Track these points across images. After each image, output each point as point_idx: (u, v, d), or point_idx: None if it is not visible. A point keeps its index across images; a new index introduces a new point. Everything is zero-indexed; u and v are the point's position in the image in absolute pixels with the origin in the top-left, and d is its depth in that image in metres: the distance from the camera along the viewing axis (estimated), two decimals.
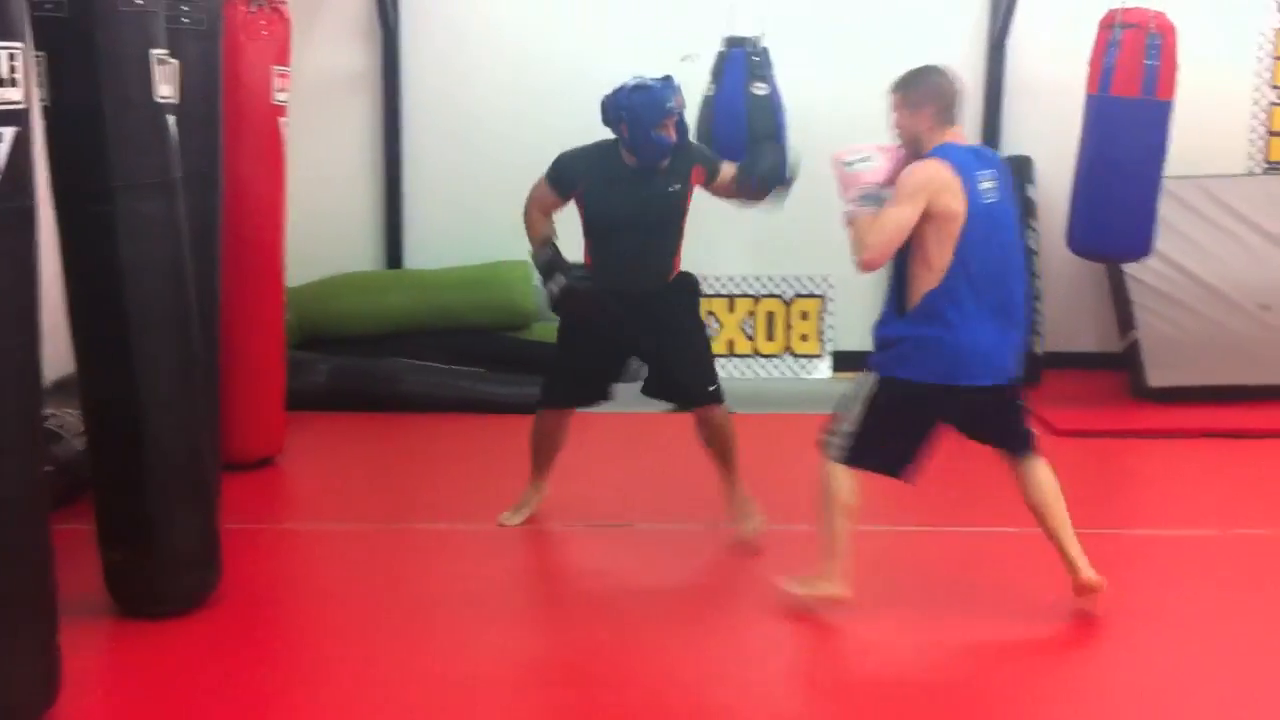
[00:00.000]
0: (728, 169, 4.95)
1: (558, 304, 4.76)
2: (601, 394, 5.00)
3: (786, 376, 7.92)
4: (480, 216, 7.78)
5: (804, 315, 7.96)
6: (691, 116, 6.57)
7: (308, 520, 5.22)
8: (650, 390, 5.04)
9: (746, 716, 3.58)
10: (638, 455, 6.10)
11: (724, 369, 7.78)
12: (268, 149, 5.54)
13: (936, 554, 4.84)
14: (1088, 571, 4.12)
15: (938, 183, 3.87)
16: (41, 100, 3.63)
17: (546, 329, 7.34)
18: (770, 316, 7.96)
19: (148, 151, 3.82)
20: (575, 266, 4.81)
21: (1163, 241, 6.88)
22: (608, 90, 7.52)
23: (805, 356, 7.97)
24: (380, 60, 7.74)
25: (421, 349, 7.12)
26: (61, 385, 5.04)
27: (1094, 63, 6.55)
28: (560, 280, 4.70)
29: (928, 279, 3.92)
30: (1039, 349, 7.56)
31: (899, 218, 3.85)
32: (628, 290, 4.77)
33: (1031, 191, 7.69)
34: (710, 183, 4.94)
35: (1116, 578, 4.67)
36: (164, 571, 4.00)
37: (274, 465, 5.80)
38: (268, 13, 5.47)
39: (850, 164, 4.04)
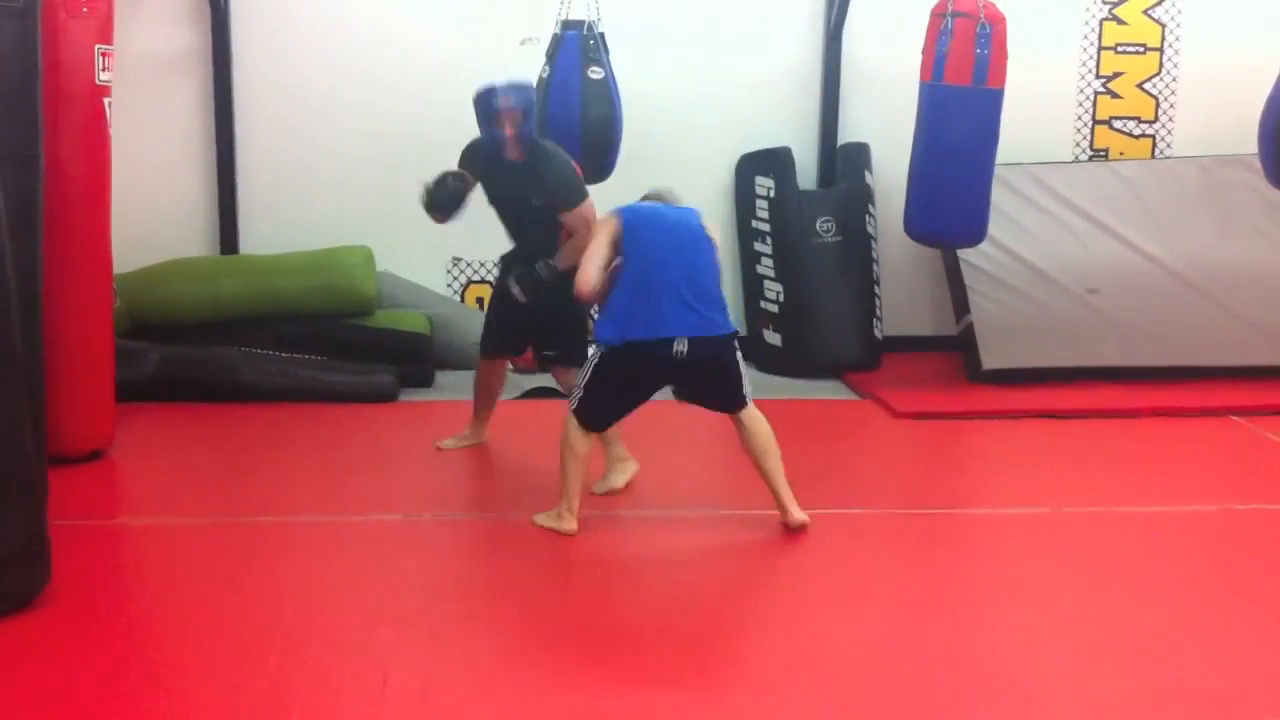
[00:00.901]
0: (569, 218, 5.34)
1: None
2: (520, 349, 5.77)
3: None
4: (318, 201, 7.63)
5: None
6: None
7: (141, 515, 5.05)
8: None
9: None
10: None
11: None
12: (91, 131, 5.32)
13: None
14: (797, 514, 4.83)
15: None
16: None
17: (389, 316, 7.25)
18: None
19: None
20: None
21: (995, 227, 7.07)
22: (443, 73, 7.50)
23: None
24: (210, 40, 7.50)
25: (259, 337, 6.94)
26: None
27: (926, 51, 6.69)
28: (512, 282, 5.46)
29: None
30: (879, 333, 7.71)
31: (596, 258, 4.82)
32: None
33: (869, 179, 7.83)
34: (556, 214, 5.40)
35: (954, 555, 4.81)
36: None
37: (104, 458, 5.59)
38: None
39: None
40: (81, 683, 3.58)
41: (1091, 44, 8.11)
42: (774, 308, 7.71)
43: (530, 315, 5.47)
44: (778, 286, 7.68)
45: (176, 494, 5.19)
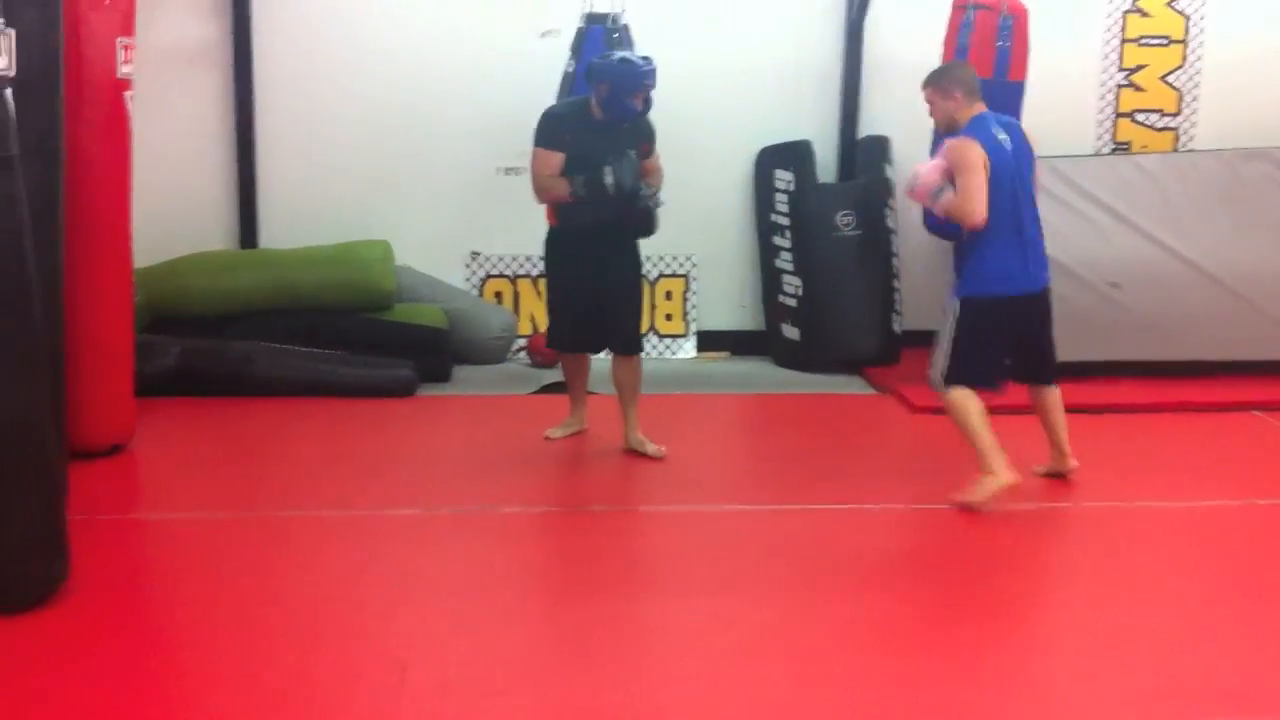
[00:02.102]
0: (653, 161, 5.69)
1: (620, 183, 5.38)
2: (592, 344, 5.83)
3: (652, 356, 7.92)
4: (337, 195, 7.63)
5: (668, 295, 7.97)
6: (549, 91, 6.58)
7: (160, 509, 5.06)
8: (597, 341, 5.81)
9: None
10: (489, 437, 6.02)
11: None
12: (112, 123, 5.32)
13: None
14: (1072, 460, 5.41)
15: (972, 150, 5.00)
16: None
17: (407, 310, 7.26)
18: None
19: None
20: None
21: None
22: (464, 66, 7.50)
23: (670, 336, 7.98)
24: (231, 33, 7.50)
25: (278, 331, 6.94)
26: None
27: (948, 44, 6.66)
28: (609, 170, 5.34)
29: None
30: (898, 327, 7.68)
31: (978, 183, 4.97)
32: (592, 227, 5.48)
33: (890, 171, 7.79)
34: (646, 155, 5.62)
35: (972, 551, 4.79)
36: (8, 564, 3.82)
37: (124, 452, 5.60)
38: None
39: (913, 186, 5.22)
40: (101, 675, 3.58)
41: (1115, 36, 8.06)
42: (793, 301, 7.68)
43: (597, 304, 5.59)
44: (796, 280, 7.66)
45: (196, 488, 5.20)
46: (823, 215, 7.63)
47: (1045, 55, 6.78)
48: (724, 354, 7.99)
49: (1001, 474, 5.02)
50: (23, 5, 4.13)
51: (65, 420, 4.65)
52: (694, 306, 8.00)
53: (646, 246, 7.81)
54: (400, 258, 7.45)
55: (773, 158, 7.79)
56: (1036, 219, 5.27)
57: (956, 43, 6.60)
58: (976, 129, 5.08)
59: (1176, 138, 8.12)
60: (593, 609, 4.13)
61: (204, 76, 7.56)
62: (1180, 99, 8.11)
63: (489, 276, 7.89)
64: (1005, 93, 6.57)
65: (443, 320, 7.25)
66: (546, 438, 5.82)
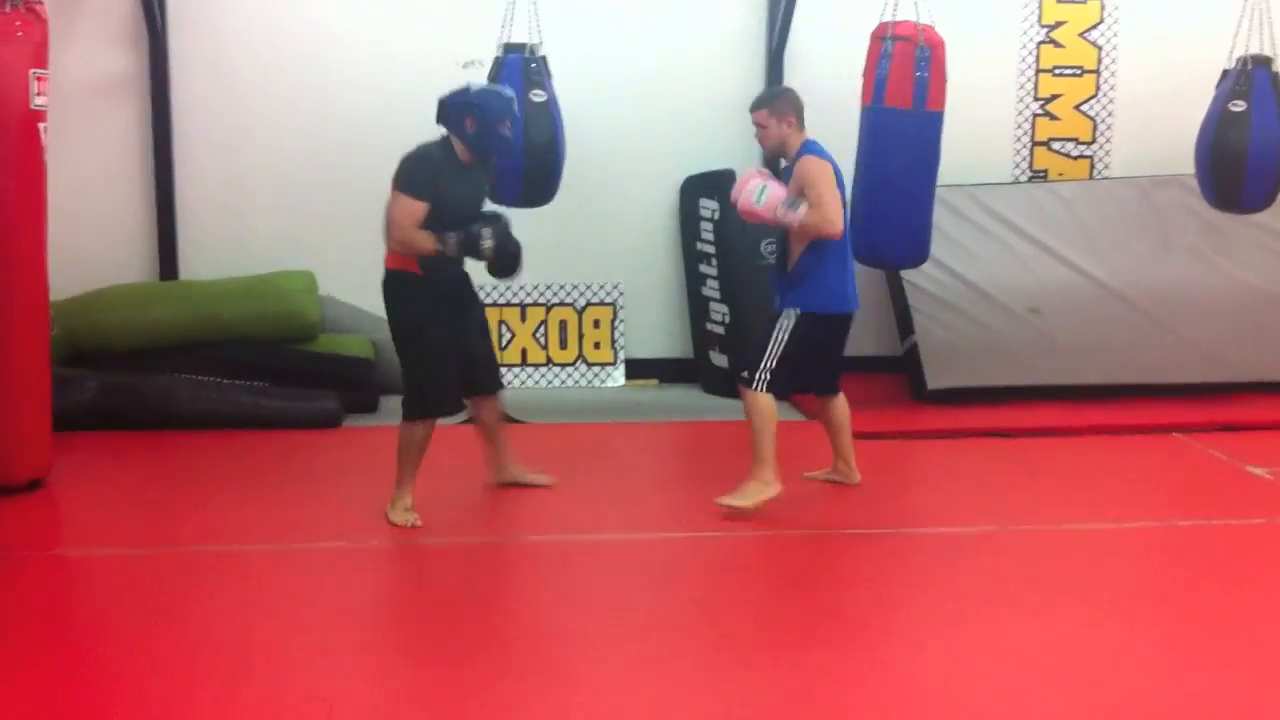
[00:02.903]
0: None
1: (501, 247, 5.06)
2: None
3: (580, 385, 7.91)
4: (259, 226, 7.56)
5: (596, 324, 7.96)
6: None
7: (80, 545, 4.96)
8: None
9: None
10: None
11: (517, 378, 7.82)
12: (26, 156, 5.25)
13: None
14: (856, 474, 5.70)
15: (827, 169, 5.22)
16: None
17: (332, 341, 7.18)
18: (563, 325, 7.94)
19: None
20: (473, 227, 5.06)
21: (937, 248, 7.11)
22: (383, 96, 7.45)
23: (599, 364, 7.97)
24: (147, 64, 7.42)
25: (199, 363, 6.84)
26: None
27: (867, 75, 6.72)
28: (488, 232, 5.02)
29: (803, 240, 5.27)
30: None
31: (835, 197, 5.18)
32: (456, 275, 5.24)
33: None
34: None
35: (898, 574, 4.81)
36: None
37: (42, 487, 5.49)
38: (23, 13, 5.20)
39: (758, 199, 5.24)
40: (22, 712, 3.49)
41: (1030, 66, 8.21)
42: (720, 329, 7.71)
43: (467, 352, 5.27)
44: (723, 308, 7.69)
45: (116, 523, 5.11)
46: (747, 244, 7.66)
47: (963, 86, 6.86)
48: (653, 382, 8.00)
49: (773, 485, 5.24)
50: None
51: None
52: (622, 334, 8.00)
53: (574, 274, 7.92)
54: (324, 288, 7.39)
55: (697, 186, 7.83)
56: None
57: (875, 73, 6.66)
58: (820, 152, 5.27)
59: (1092, 165, 8.27)
60: (517, 642, 4.09)
61: (120, 107, 7.47)
62: (1094, 127, 8.27)
63: None
64: (924, 123, 6.65)
65: (369, 350, 7.18)
66: (399, 525, 5.12)
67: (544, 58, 6.45)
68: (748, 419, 5.29)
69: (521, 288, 7.85)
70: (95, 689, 3.72)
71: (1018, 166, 8.26)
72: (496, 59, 6.46)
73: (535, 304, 7.93)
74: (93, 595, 4.52)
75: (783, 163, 5.50)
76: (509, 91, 5.26)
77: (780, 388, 5.33)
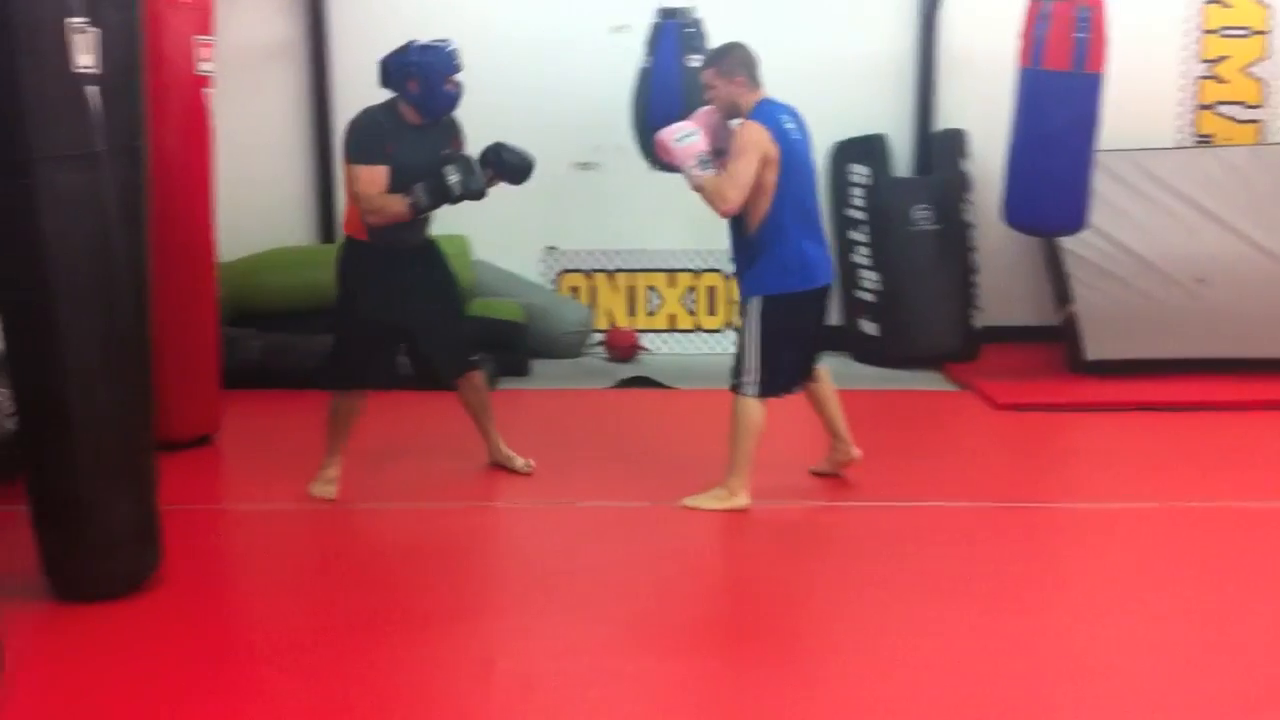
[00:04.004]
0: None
1: (469, 180, 4.87)
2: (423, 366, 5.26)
3: (729, 352, 7.87)
4: None
5: None
6: (622, 87, 6.56)
7: (246, 500, 5.13)
8: (420, 369, 5.27)
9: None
10: (567, 431, 6.03)
11: (666, 344, 7.84)
12: (193, 121, 5.40)
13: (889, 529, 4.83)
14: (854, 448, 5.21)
15: (763, 138, 4.70)
16: None
17: (485, 305, 7.28)
18: (711, 291, 7.92)
19: (68, 122, 3.70)
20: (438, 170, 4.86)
21: (1097, 215, 6.92)
22: (537, 60, 7.50)
23: None
24: (308, 30, 7.58)
25: None
26: None
27: (1025, 36, 6.55)
28: (451, 169, 4.82)
29: (762, 206, 4.77)
30: (977, 323, 7.59)
31: (746, 171, 4.67)
32: (410, 242, 5.03)
33: (966, 165, 7.71)
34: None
35: (1058, 551, 4.72)
36: (100, 553, 3.89)
37: (210, 444, 5.68)
38: None
39: (680, 139, 4.78)
40: (192, 660, 3.65)
41: (1195, 27, 7.91)
42: (870, 297, 7.62)
43: (410, 330, 5.08)
44: (874, 275, 7.60)
45: (280, 479, 5.25)
46: (899, 210, 7.57)
47: (1124, 47, 6.65)
48: None
49: (741, 497, 4.88)
50: (105, 6, 4.17)
51: (154, 412, 4.71)
52: None
53: (723, 240, 7.84)
54: (477, 253, 7.49)
55: (848, 152, 7.73)
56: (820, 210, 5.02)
57: (1033, 34, 6.49)
58: (764, 116, 4.77)
59: (1260, 130, 7.95)
60: (668, 603, 4.12)
61: (282, 73, 7.64)
62: (1263, 91, 7.94)
63: (565, 271, 7.90)
64: (1084, 85, 6.46)
65: (520, 315, 7.27)
66: (315, 496, 5.04)
67: (700, 21, 6.41)
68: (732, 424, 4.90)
69: (671, 253, 7.86)
70: (259, 637, 3.85)
71: (1181, 131, 7.97)
72: (654, 24, 6.46)
73: (684, 269, 7.92)
74: (257, 548, 4.67)
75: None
76: (451, 45, 5.00)
77: (778, 386, 4.89)
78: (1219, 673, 3.62)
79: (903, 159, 7.83)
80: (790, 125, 4.82)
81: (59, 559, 3.91)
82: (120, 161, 4.18)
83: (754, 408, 4.84)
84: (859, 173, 7.65)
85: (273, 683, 3.52)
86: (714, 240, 7.90)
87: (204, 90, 5.44)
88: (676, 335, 7.91)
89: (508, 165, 5.04)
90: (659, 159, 4.97)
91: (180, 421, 5.44)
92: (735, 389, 4.88)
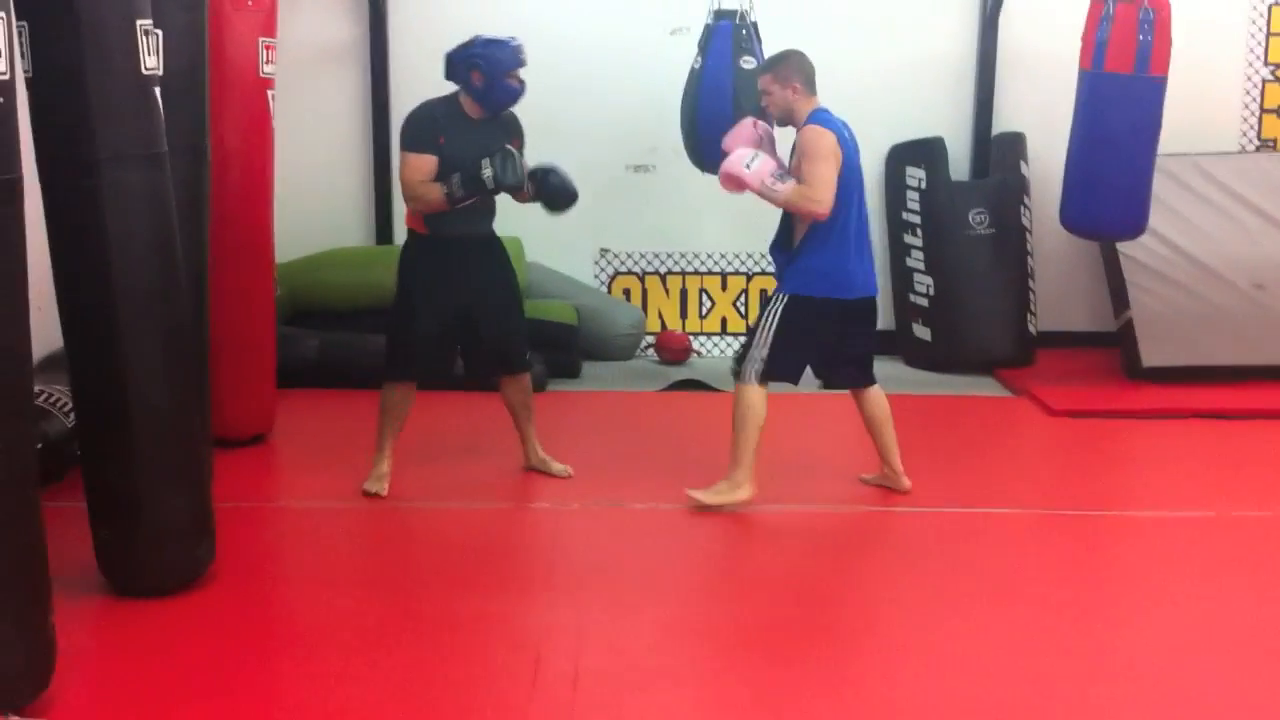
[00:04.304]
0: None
1: (505, 173, 4.85)
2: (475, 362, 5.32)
3: None
4: None
5: None
6: (678, 90, 6.57)
7: (301, 498, 5.17)
8: (472, 365, 5.34)
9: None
10: (617, 433, 6.04)
11: (718, 347, 7.84)
12: (256, 122, 5.46)
13: (933, 533, 4.80)
14: (904, 479, 5.13)
15: (833, 142, 4.76)
16: (25, 71, 3.56)
17: (537, 306, 7.31)
18: (763, 294, 7.91)
19: (133, 123, 3.74)
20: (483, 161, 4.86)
21: (1156, 219, 6.85)
22: (594, 63, 7.52)
23: None
24: (368, 32, 7.65)
25: None
26: (50, 361, 4.98)
27: (1087, 38, 6.50)
28: (485, 162, 4.82)
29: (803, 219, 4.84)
30: (1033, 328, 7.54)
31: (830, 173, 4.71)
32: (469, 235, 5.05)
33: (1024, 169, 7.66)
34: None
35: (1112, 559, 4.67)
36: (155, 548, 3.94)
37: (266, 442, 5.75)
38: None
39: (749, 165, 4.79)
40: (244, 655, 3.69)
41: (1260, 29, 7.81)
42: (924, 301, 7.58)
43: (466, 324, 5.11)
44: (928, 279, 7.56)
45: (334, 477, 5.30)
46: (955, 213, 7.53)
47: (1188, 49, 6.58)
48: None
49: (745, 488, 4.88)
50: (170, 8, 4.26)
51: (210, 410, 4.78)
52: None
53: None
54: (530, 254, 7.51)
55: (904, 154, 7.70)
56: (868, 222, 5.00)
57: (1096, 36, 6.44)
58: (827, 123, 4.79)
59: None
60: (715, 605, 4.12)
61: (342, 76, 7.72)
62: None
63: (617, 273, 7.92)
64: (1146, 88, 6.40)
65: (573, 317, 7.29)
66: (367, 493, 5.07)
67: (755, 24, 6.41)
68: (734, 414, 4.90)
69: (723, 256, 7.86)
70: (311, 634, 3.88)
71: (1245, 135, 7.88)
72: (707, 26, 6.46)
73: (736, 273, 7.92)
74: (310, 545, 4.71)
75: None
76: (516, 41, 5.03)
77: (779, 373, 4.90)
78: (1274, 682, 3.57)
79: (960, 162, 7.78)
80: (847, 135, 4.85)
81: (114, 553, 3.96)
82: (183, 161, 4.26)
83: (756, 398, 4.86)
84: (914, 176, 7.61)
85: (321, 678, 3.56)
86: (766, 243, 7.91)
87: (267, 92, 5.50)
88: (728, 338, 7.91)
89: (550, 187, 5.04)
90: (728, 188, 4.92)
91: (236, 419, 5.51)
92: (736, 375, 4.92)
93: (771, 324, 4.84)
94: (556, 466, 5.36)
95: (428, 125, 4.95)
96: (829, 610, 4.12)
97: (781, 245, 4.99)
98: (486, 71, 4.93)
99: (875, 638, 3.94)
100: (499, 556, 4.53)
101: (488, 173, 4.82)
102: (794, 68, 4.88)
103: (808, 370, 5.06)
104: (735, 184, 4.85)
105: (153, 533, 3.92)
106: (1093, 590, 4.33)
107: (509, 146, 4.91)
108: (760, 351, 4.85)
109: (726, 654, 3.78)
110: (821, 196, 4.68)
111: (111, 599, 3.97)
